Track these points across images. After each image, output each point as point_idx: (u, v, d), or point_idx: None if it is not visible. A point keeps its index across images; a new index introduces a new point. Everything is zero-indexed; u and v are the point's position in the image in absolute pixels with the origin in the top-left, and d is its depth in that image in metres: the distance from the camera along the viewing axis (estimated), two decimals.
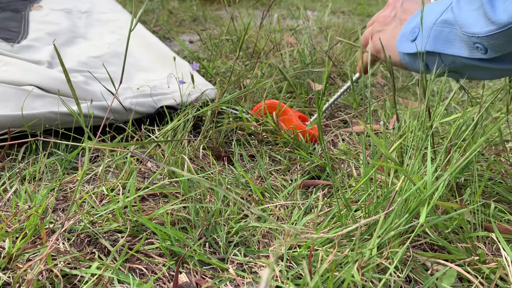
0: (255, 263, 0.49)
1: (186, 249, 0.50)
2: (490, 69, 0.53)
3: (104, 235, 0.52)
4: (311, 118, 0.83)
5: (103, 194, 0.58)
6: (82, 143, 0.57)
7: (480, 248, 0.52)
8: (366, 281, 0.44)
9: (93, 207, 0.56)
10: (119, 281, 0.45)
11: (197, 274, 0.48)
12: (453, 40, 0.52)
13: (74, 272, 0.45)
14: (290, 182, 0.66)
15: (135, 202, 0.57)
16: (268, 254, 0.50)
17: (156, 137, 0.72)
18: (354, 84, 0.77)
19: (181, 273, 0.47)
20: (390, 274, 0.47)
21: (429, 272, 0.49)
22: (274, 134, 0.77)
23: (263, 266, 0.49)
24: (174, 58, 0.88)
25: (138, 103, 0.78)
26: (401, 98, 1.04)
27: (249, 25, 0.76)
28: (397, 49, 0.61)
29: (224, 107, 0.79)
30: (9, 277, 0.44)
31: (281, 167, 0.70)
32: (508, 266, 0.46)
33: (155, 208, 0.57)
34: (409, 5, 0.64)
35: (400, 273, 0.48)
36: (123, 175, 0.62)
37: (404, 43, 0.60)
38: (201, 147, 0.72)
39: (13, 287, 0.42)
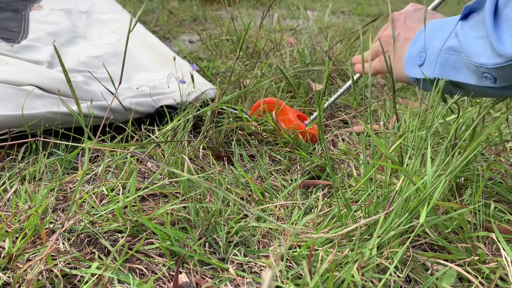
0: (255, 263, 0.49)
1: (186, 249, 0.50)
2: (500, 93, 0.52)
3: (104, 235, 0.52)
4: (310, 117, 0.83)
5: (103, 194, 0.58)
6: (82, 143, 0.57)
7: (480, 248, 0.52)
8: (366, 281, 0.44)
9: (93, 207, 0.56)
10: (119, 281, 0.45)
11: (197, 274, 0.48)
12: (461, 67, 0.51)
13: (74, 272, 0.45)
14: (290, 182, 0.66)
15: (135, 202, 0.57)
16: (268, 254, 0.50)
17: (156, 137, 0.72)
18: (345, 91, 0.77)
19: (181, 273, 0.47)
20: (390, 274, 0.47)
21: (429, 272, 0.49)
22: (274, 134, 0.77)
23: (263, 266, 0.49)
24: (174, 58, 0.88)
25: (138, 103, 0.78)
26: (401, 98, 1.04)
27: (250, 25, 0.76)
28: (404, 71, 0.61)
29: (224, 107, 0.79)
30: (9, 277, 0.43)
31: (281, 167, 0.70)
32: (508, 266, 0.46)
33: (155, 208, 0.57)
34: (411, 22, 0.63)
35: (400, 273, 0.48)
36: (123, 175, 0.62)
37: (411, 67, 0.59)
38: (201, 147, 0.72)
39: (13, 287, 0.42)
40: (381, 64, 0.67)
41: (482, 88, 0.51)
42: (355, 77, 0.75)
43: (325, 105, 0.85)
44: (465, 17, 0.51)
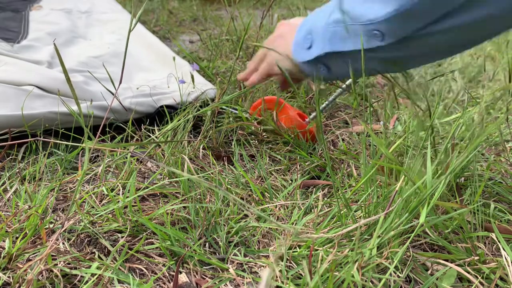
0: (255, 263, 0.49)
1: (186, 249, 0.50)
2: (386, 60, 0.54)
3: (104, 235, 0.52)
4: (310, 116, 0.83)
5: (103, 194, 0.58)
6: (82, 143, 0.57)
7: (480, 248, 0.52)
8: (366, 281, 0.44)
9: (93, 207, 0.56)
10: (119, 281, 0.45)
11: (197, 274, 0.48)
12: (348, 37, 0.53)
13: (74, 272, 0.45)
14: (290, 182, 0.66)
15: (135, 202, 0.57)
16: (268, 254, 0.50)
17: (156, 137, 0.72)
18: (345, 91, 0.77)
19: (181, 273, 0.47)
20: (390, 274, 0.47)
21: (429, 272, 0.49)
22: (274, 134, 0.77)
23: (263, 266, 0.49)
24: (174, 58, 0.88)
25: (138, 103, 0.78)
26: (401, 98, 1.04)
27: (249, 25, 0.76)
28: (294, 59, 0.62)
29: (224, 107, 0.79)
30: (9, 277, 0.43)
31: (281, 167, 0.70)
32: (508, 266, 0.46)
33: (155, 208, 0.57)
34: (295, 20, 0.65)
35: (400, 273, 0.48)
36: (123, 175, 0.62)
37: (300, 52, 0.60)
38: (201, 147, 0.72)
39: (13, 287, 0.42)
40: (268, 62, 0.68)
41: (369, 55, 0.53)
42: (347, 82, 0.75)
43: (323, 105, 0.85)
44: None
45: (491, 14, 0.45)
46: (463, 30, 0.47)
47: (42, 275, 0.44)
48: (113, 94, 0.73)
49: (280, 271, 0.47)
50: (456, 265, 0.48)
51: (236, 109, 0.79)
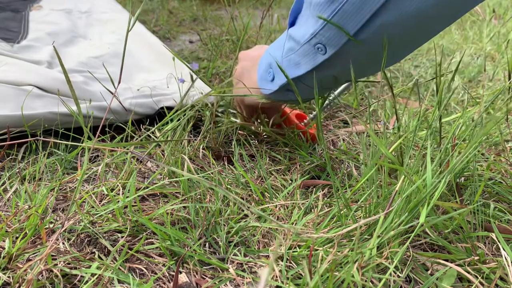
0: (255, 263, 0.49)
1: (186, 249, 0.50)
2: (333, 77, 0.58)
3: (104, 235, 0.52)
4: (310, 115, 0.83)
5: (103, 194, 0.58)
6: (82, 143, 0.57)
7: (480, 248, 0.52)
8: (366, 281, 0.44)
9: (93, 207, 0.56)
10: (119, 281, 0.45)
11: (197, 274, 0.48)
12: (300, 60, 0.56)
13: (74, 272, 0.45)
14: (290, 182, 0.66)
15: (135, 202, 0.57)
16: (268, 254, 0.50)
17: (156, 137, 0.72)
18: (344, 91, 0.77)
19: (181, 273, 0.47)
20: (390, 274, 0.47)
21: (429, 272, 0.49)
22: (275, 134, 0.77)
23: (263, 266, 0.49)
24: (174, 59, 0.88)
25: (138, 104, 0.78)
26: (401, 98, 1.04)
27: (249, 25, 0.76)
28: (262, 92, 0.66)
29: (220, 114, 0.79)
30: (9, 277, 0.44)
31: (281, 167, 0.70)
32: (508, 266, 0.46)
33: (155, 208, 0.57)
34: (254, 52, 0.70)
35: (400, 273, 0.48)
36: (123, 175, 0.62)
37: (265, 85, 0.64)
38: (201, 147, 0.72)
39: (13, 287, 0.42)
40: (236, 100, 0.73)
41: (320, 75, 0.57)
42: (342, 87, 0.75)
43: (324, 104, 0.84)
44: (292, 24, 0.58)
45: (420, 9, 0.46)
46: (398, 28, 0.48)
47: (42, 275, 0.44)
48: (112, 93, 0.73)
49: (280, 271, 0.47)
50: (456, 265, 0.48)
51: (234, 112, 0.80)
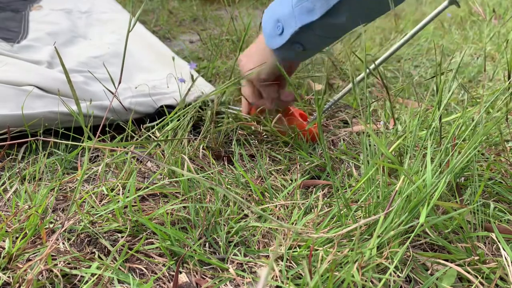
0: (255, 263, 0.49)
1: (186, 249, 0.50)
2: (341, 25, 0.62)
3: (104, 235, 0.52)
4: (311, 117, 0.83)
5: (103, 194, 0.58)
6: (82, 143, 0.57)
7: (480, 248, 0.52)
8: (366, 281, 0.44)
9: (93, 207, 0.56)
10: (119, 281, 0.45)
11: (197, 274, 0.48)
12: (314, 6, 0.59)
13: (74, 272, 0.45)
14: (290, 182, 0.66)
15: (135, 202, 0.57)
16: (268, 254, 0.50)
17: (156, 137, 0.72)
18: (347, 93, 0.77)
19: (181, 273, 0.47)
20: (390, 274, 0.47)
21: (429, 272, 0.49)
22: (275, 134, 0.77)
23: (263, 266, 0.49)
24: (173, 58, 0.88)
25: (138, 103, 0.78)
26: (401, 98, 1.04)
27: (249, 26, 0.76)
28: (270, 52, 0.68)
29: (223, 109, 0.79)
30: (9, 277, 0.43)
31: (281, 167, 0.70)
32: (508, 266, 0.46)
33: (155, 208, 0.57)
34: (249, 50, 0.73)
35: (400, 273, 0.48)
36: (123, 175, 0.62)
37: (274, 40, 0.66)
38: (201, 147, 0.72)
39: (13, 287, 0.42)
40: (246, 81, 0.74)
41: (330, 22, 0.60)
42: (358, 78, 0.75)
43: (325, 106, 0.85)
44: None
45: None
46: None
47: (42, 275, 0.44)
48: (112, 93, 0.73)
49: (280, 271, 0.47)
50: (456, 265, 0.48)
51: (234, 109, 0.80)
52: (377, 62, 0.76)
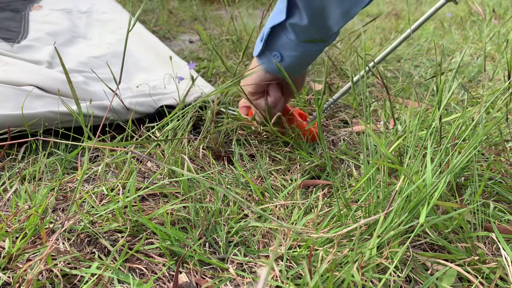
0: (255, 263, 0.49)
1: (186, 249, 0.50)
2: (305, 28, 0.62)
3: (104, 235, 0.52)
4: (310, 117, 0.83)
5: (103, 194, 0.58)
6: (82, 143, 0.57)
7: (480, 248, 0.52)
8: (366, 281, 0.44)
9: (93, 207, 0.56)
10: (119, 281, 0.45)
11: (197, 274, 0.48)
12: (282, 7, 0.61)
13: (74, 272, 0.45)
14: (290, 182, 0.66)
15: (135, 202, 0.57)
16: (268, 254, 0.50)
17: (156, 137, 0.72)
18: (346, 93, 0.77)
19: (181, 273, 0.47)
20: (390, 274, 0.47)
21: (429, 272, 0.49)
22: (275, 134, 0.77)
23: (263, 266, 0.49)
24: (171, 58, 0.88)
25: (138, 103, 0.78)
26: (401, 98, 1.04)
27: (254, 29, 0.76)
28: (255, 57, 0.69)
29: (223, 108, 0.79)
30: (9, 277, 0.43)
31: (281, 167, 0.70)
32: (508, 266, 0.46)
33: (155, 208, 0.57)
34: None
35: (400, 273, 0.48)
36: (123, 175, 0.62)
37: (257, 47, 0.68)
38: (201, 147, 0.72)
39: (13, 287, 0.42)
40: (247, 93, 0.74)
41: (293, 23, 0.61)
42: (355, 78, 0.75)
43: (325, 105, 0.85)
44: None
45: None
46: None
47: (42, 275, 0.44)
48: (113, 91, 0.73)
49: (280, 271, 0.47)
50: (456, 265, 0.48)
51: (234, 110, 0.80)
52: (375, 60, 0.76)
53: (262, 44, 0.66)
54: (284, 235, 0.53)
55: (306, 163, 0.70)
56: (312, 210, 0.59)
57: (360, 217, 0.55)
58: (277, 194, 0.63)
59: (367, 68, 0.69)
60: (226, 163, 0.70)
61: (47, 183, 0.61)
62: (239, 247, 0.52)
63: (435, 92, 1.05)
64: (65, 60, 0.92)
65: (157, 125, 0.74)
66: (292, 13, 0.60)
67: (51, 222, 0.52)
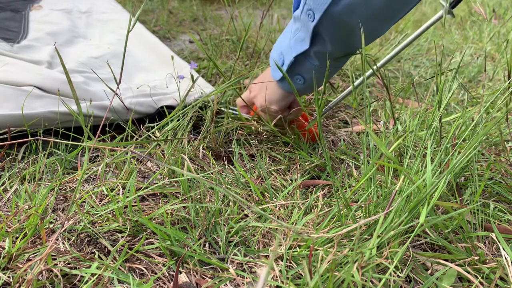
0: (255, 263, 0.49)
1: (186, 249, 0.50)
2: (332, 55, 0.63)
3: (104, 235, 0.52)
4: (311, 117, 0.83)
5: (103, 194, 0.58)
6: (82, 143, 0.57)
7: (480, 248, 0.52)
8: (366, 281, 0.44)
9: (93, 207, 0.56)
10: (119, 281, 0.45)
11: (197, 274, 0.48)
12: (304, 35, 0.61)
13: (74, 272, 0.45)
14: (290, 182, 0.66)
15: (135, 202, 0.57)
16: (268, 254, 0.50)
17: (156, 137, 0.72)
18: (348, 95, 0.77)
19: (181, 273, 0.47)
20: (390, 274, 0.47)
21: (429, 272, 0.49)
22: (275, 134, 0.77)
23: (263, 266, 0.49)
24: (172, 57, 0.88)
25: (138, 103, 0.78)
26: (401, 98, 1.04)
27: (250, 26, 0.76)
28: (276, 84, 0.70)
29: (223, 108, 0.79)
30: (9, 277, 0.44)
31: (281, 167, 0.70)
32: (508, 266, 0.46)
33: (155, 208, 0.57)
34: (265, 76, 0.73)
35: (400, 273, 0.48)
36: (123, 175, 0.62)
37: (277, 73, 0.68)
38: (201, 147, 0.72)
39: (13, 287, 0.42)
40: (258, 104, 0.74)
41: (317, 50, 0.62)
42: (356, 82, 0.75)
43: (325, 107, 0.84)
44: (297, 8, 0.61)
45: None
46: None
47: (42, 275, 0.44)
48: (113, 91, 0.73)
49: (280, 271, 0.47)
50: (456, 265, 0.48)
51: (235, 110, 0.79)
52: (374, 67, 0.76)
53: (287, 68, 0.66)
54: (284, 235, 0.53)
55: (306, 163, 0.70)
56: (312, 210, 0.59)
57: (360, 217, 0.55)
58: (277, 194, 0.63)
59: (370, 71, 0.69)
60: (226, 163, 0.70)
61: (47, 183, 0.61)
62: (239, 247, 0.52)
63: (435, 92, 1.05)
64: (65, 60, 0.92)
65: (157, 125, 0.74)
66: (315, 41, 0.61)
67: (51, 222, 0.52)
